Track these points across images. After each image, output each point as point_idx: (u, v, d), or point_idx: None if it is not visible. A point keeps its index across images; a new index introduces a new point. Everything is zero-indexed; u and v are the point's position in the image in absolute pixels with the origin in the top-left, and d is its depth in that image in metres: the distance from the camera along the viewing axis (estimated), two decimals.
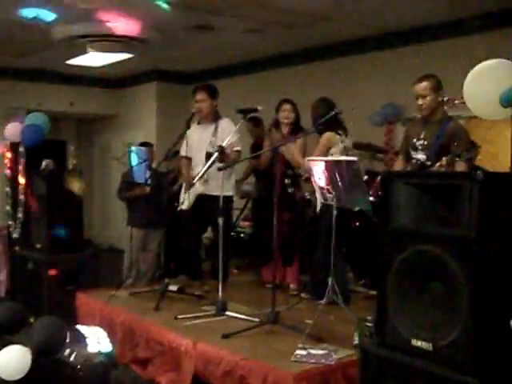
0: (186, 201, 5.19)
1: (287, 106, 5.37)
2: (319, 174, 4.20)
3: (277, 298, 4.15)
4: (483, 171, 3.10)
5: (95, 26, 6.57)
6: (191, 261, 5.69)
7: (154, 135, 9.30)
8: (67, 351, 3.39)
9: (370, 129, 6.80)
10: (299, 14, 6.14)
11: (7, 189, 6.87)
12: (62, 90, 9.88)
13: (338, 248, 4.32)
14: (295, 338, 3.72)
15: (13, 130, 6.55)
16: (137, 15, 6.33)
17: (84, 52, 7.36)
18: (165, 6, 5.83)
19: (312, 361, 3.39)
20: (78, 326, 3.88)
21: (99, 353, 3.63)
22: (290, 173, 5.28)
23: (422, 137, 4.24)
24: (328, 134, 4.92)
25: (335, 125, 4.89)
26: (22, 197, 6.53)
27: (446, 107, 4.52)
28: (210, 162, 4.73)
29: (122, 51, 7.26)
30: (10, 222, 6.69)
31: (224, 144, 4.77)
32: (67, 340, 3.41)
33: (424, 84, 4.20)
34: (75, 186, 6.11)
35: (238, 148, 5.20)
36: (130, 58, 7.86)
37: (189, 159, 5.39)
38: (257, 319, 4.13)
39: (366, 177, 5.26)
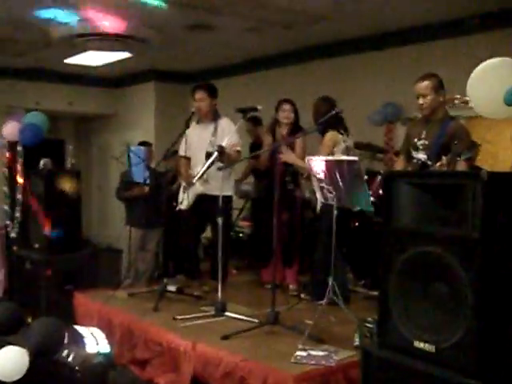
0: (184, 200, 5.18)
1: (287, 106, 5.34)
2: (320, 174, 4.18)
3: (276, 298, 4.13)
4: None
5: (93, 25, 6.55)
6: (190, 260, 5.68)
7: (152, 135, 9.28)
8: (65, 352, 3.38)
9: (369, 128, 6.79)
10: (299, 13, 6.13)
11: (5, 188, 6.85)
12: (60, 90, 9.87)
13: (338, 248, 4.29)
14: (295, 339, 3.70)
15: (11, 129, 6.53)
16: (135, 14, 6.30)
17: (82, 50, 7.34)
18: (159, 2, 5.80)
19: (312, 362, 3.37)
20: (76, 327, 3.85)
21: (97, 353, 3.61)
22: (290, 170, 5.26)
23: (422, 136, 4.22)
24: (330, 134, 4.89)
25: (337, 124, 4.87)
26: (19, 196, 6.51)
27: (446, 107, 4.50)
28: (209, 161, 4.71)
29: (120, 50, 7.25)
30: (8, 222, 6.67)
31: (224, 144, 4.75)
32: (65, 341, 3.40)
33: (425, 83, 4.17)
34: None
35: (239, 148, 5.19)
36: (128, 58, 7.85)
37: (187, 159, 5.37)
38: (256, 320, 4.11)
39: (366, 176, 5.23)
